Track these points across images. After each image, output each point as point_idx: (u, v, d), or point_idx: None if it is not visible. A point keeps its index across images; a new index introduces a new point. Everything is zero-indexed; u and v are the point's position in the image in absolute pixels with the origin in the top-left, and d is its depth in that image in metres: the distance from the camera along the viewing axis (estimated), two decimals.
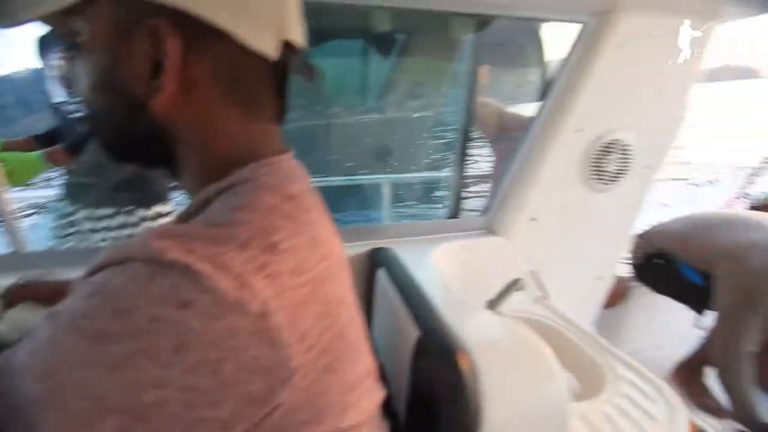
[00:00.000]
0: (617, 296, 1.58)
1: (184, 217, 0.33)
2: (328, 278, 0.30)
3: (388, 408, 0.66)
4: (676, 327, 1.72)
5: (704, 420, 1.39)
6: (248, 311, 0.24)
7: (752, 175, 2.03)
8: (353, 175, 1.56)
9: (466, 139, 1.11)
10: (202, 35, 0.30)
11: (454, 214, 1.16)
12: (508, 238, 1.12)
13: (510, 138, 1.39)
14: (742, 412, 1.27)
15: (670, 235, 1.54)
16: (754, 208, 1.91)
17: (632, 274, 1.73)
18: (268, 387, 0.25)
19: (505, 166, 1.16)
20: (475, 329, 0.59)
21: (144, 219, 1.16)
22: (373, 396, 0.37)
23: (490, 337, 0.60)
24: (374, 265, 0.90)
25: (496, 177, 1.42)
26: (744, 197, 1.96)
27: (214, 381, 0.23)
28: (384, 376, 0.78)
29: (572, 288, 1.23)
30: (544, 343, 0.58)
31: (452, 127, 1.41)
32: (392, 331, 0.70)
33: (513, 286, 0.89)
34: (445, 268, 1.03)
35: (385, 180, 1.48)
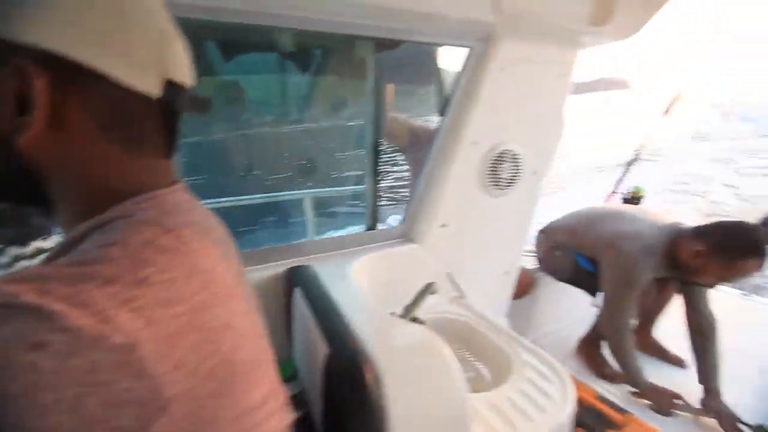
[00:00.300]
0: (526, 287, 1.76)
1: (54, 256, 0.33)
2: (211, 306, 0.31)
3: (305, 428, 0.65)
4: (578, 309, 1.97)
5: (603, 387, 1.60)
6: (110, 345, 0.24)
7: (623, 172, 2.43)
8: (276, 190, 1.53)
9: (376, 152, 1.16)
10: (76, 75, 0.31)
11: (373, 225, 1.20)
12: (424, 244, 1.19)
13: (422, 150, 1.49)
14: (629, 375, 1.49)
15: (564, 230, 1.77)
16: (626, 201, 2.29)
17: (537, 266, 1.96)
18: (142, 419, 0.25)
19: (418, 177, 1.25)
20: (382, 339, 0.62)
21: (18, 258, 1.01)
22: (280, 418, 0.38)
23: (395, 346, 0.63)
24: (292, 284, 0.90)
25: (412, 187, 1.50)
26: (618, 192, 2.34)
27: (77, 418, 0.23)
28: (303, 397, 0.77)
29: (484, 284, 1.34)
30: (445, 343, 0.63)
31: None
32: (307, 350, 0.70)
33: (427, 290, 0.95)
34: (365, 279, 1.06)
35: (307, 195, 1.47)
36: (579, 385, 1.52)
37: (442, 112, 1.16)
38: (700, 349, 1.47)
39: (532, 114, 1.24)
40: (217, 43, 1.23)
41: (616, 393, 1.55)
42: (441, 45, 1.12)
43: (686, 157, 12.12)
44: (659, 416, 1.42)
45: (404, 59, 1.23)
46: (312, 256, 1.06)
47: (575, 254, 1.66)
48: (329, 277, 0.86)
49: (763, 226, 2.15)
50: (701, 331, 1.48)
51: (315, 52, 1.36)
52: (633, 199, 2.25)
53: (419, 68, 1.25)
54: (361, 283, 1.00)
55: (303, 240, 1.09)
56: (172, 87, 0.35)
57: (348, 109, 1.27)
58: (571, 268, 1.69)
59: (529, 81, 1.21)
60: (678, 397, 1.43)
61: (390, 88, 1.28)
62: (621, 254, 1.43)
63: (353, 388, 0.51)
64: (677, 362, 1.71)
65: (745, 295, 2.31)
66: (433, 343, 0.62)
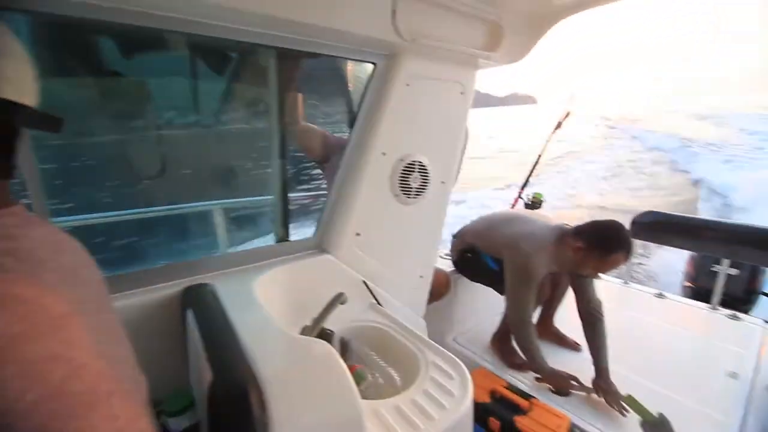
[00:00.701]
0: (443, 288, 1.86)
1: None
2: (31, 338, 0.29)
3: None
4: (492, 306, 2.13)
5: (514, 376, 1.74)
6: None
7: (525, 180, 2.72)
8: (181, 201, 1.40)
9: (284, 160, 1.14)
10: None
11: (284, 236, 1.17)
12: (339, 254, 1.19)
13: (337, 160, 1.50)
14: (532, 362, 1.66)
15: (473, 233, 1.92)
16: (527, 206, 2.56)
17: (453, 268, 2.08)
18: None
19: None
20: (272, 360, 0.60)
21: None
22: None
23: (286, 365, 0.62)
24: (185, 306, 0.83)
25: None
26: (521, 198, 2.61)
27: None
28: (200, 428, 0.71)
29: (401, 289, 1.38)
30: (339, 360, 0.62)
31: (292, 150, 1.43)
32: (197, 378, 0.65)
33: (336, 300, 0.95)
34: (275, 294, 1.02)
35: (215, 206, 1.38)
36: (492, 377, 1.64)
37: (351, 124, 1.19)
38: (589, 333, 1.67)
39: (437, 128, 1.33)
40: (117, 40, 1.11)
41: (524, 380, 1.71)
42: (347, 59, 1.14)
43: (575, 167, 14.08)
44: (560, 398, 1.59)
45: (317, 71, 1.23)
46: (215, 272, 1.00)
47: (484, 255, 1.81)
48: (229, 295, 0.81)
49: (633, 225, 2.56)
50: (590, 317, 1.68)
51: (228, 55, 1.29)
52: (534, 203, 2.52)
53: (331, 81, 1.27)
54: (270, 298, 0.97)
55: (205, 255, 1.02)
56: (12, 105, 0.34)
57: (258, 116, 1.23)
58: (481, 268, 1.84)
59: (434, 97, 1.30)
60: (574, 378, 1.61)
61: (298, 98, 1.27)
62: (519, 253, 1.60)
63: (236, 416, 0.48)
64: (573, 347, 1.94)
65: (624, 283, 2.72)
66: (328, 358, 0.61)
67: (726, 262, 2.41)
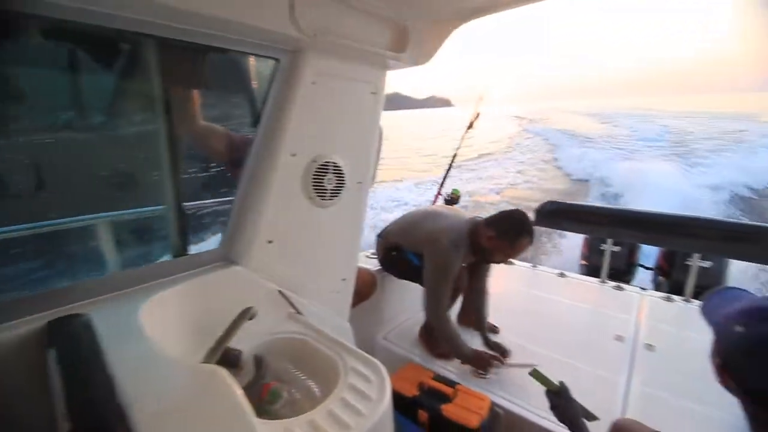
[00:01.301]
0: (369, 288, 1.86)
1: None
2: None
3: None
4: (420, 300, 2.20)
5: (442, 366, 1.81)
6: None
7: (444, 177, 2.85)
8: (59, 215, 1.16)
9: (176, 164, 1.02)
10: None
11: (181, 250, 1.05)
12: (249, 264, 1.11)
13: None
14: (455, 349, 1.74)
15: (396, 232, 1.95)
16: (447, 202, 2.69)
17: (380, 267, 2.10)
18: None
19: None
20: (152, 397, 0.52)
21: None
22: None
23: (167, 401, 0.54)
24: (49, 344, 0.69)
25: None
26: (441, 195, 2.73)
27: None
28: None
29: (323, 295, 1.34)
30: (233, 385, 0.57)
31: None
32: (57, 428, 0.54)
33: (244, 316, 0.87)
34: (171, 316, 0.91)
35: (99, 220, 1.18)
36: (420, 371, 1.68)
37: (255, 124, 1.11)
38: (482, 311, 1.92)
39: (350, 128, 1.31)
40: None
41: (451, 369, 1.78)
42: (248, 54, 1.06)
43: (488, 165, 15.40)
44: (483, 381, 1.69)
45: (217, 66, 1.12)
46: (93, 299, 0.85)
47: (407, 252, 1.86)
48: (108, 325, 0.70)
49: (537, 213, 2.84)
50: (483, 296, 1.93)
51: (114, 47, 1.11)
52: (452, 200, 2.65)
53: (233, 77, 1.17)
54: (166, 323, 0.86)
55: (79, 279, 0.86)
56: None
57: (148, 116, 1.08)
58: (406, 265, 1.88)
59: (344, 96, 1.27)
60: (495, 357, 1.73)
61: (194, 95, 1.15)
62: (436, 247, 1.67)
63: None
64: (493, 330, 2.08)
65: (533, 266, 3.01)
66: (219, 385, 0.55)
67: (610, 241, 2.80)
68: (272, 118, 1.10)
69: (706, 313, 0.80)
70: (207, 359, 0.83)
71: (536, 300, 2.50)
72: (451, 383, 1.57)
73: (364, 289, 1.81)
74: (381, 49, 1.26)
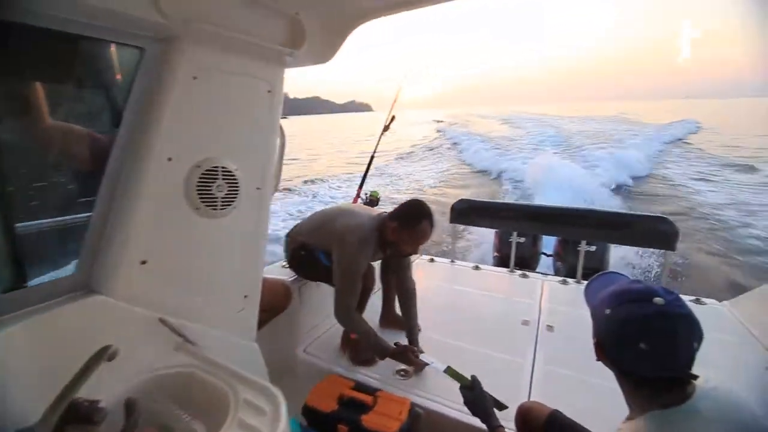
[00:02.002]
0: (282, 300, 1.73)
1: None
2: None
3: None
4: None
5: (366, 373, 1.76)
6: None
7: (362, 179, 2.83)
8: None
9: (3, 176, 0.81)
10: None
11: (16, 282, 0.83)
12: (117, 291, 0.92)
13: None
14: (373, 347, 1.68)
15: (306, 231, 1.87)
16: (366, 203, 2.68)
17: (289, 270, 1.99)
18: None
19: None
20: None
21: None
22: None
23: None
24: None
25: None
26: (360, 197, 2.70)
27: None
28: None
29: (222, 316, 1.20)
30: None
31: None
32: None
33: (99, 358, 0.71)
34: (10, 362, 0.71)
35: None
36: (340, 382, 1.61)
37: (117, 123, 0.93)
38: (410, 309, 1.89)
39: (244, 128, 1.19)
40: None
41: (374, 375, 1.75)
42: (105, 42, 0.88)
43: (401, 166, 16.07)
44: (404, 382, 1.68)
45: (68, 55, 0.91)
46: None
47: (317, 252, 1.79)
48: None
49: (452, 211, 2.97)
50: (407, 295, 1.90)
51: None
52: (371, 201, 2.64)
53: (88, 67, 0.96)
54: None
55: None
56: None
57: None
58: (315, 265, 1.81)
59: (237, 95, 1.15)
60: (410, 349, 1.72)
61: (37, 89, 0.93)
62: (345, 245, 1.64)
63: None
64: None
65: (451, 261, 3.15)
66: None
67: (515, 233, 3.05)
68: (140, 117, 0.94)
69: (588, 296, 0.87)
70: (45, 418, 0.66)
71: (454, 294, 2.61)
72: (372, 391, 1.53)
73: (277, 302, 1.68)
74: (276, 44, 1.17)
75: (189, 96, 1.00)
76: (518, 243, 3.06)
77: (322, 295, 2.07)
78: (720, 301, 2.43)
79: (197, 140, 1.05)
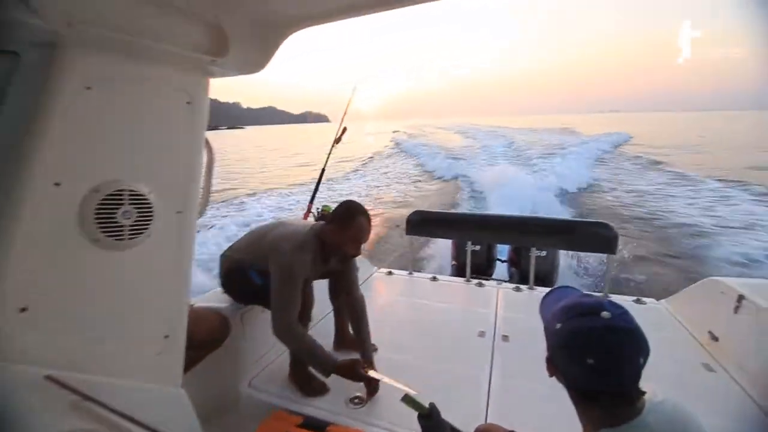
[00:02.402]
0: (216, 333, 1.56)
1: None
2: None
3: None
4: None
5: (316, 406, 1.62)
6: None
7: (313, 194, 2.72)
8: None
9: None
10: None
11: None
12: None
13: None
14: (317, 362, 1.53)
15: (242, 246, 1.74)
16: (318, 219, 2.56)
17: (231, 300, 1.82)
18: None
19: None
20: None
21: None
22: None
23: None
24: None
25: None
26: (312, 213, 2.59)
27: None
28: None
29: (136, 362, 1.03)
30: None
31: None
32: None
33: None
34: None
35: None
36: (286, 419, 1.47)
37: None
38: (360, 324, 1.79)
39: (158, 145, 1.05)
40: None
41: (325, 407, 1.62)
42: None
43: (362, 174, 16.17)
44: (360, 411, 1.57)
45: None
46: None
47: (250, 272, 1.66)
48: None
49: (407, 223, 2.92)
50: (357, 311, 1.79)
51: None
52: (323, 217, 2.53)
53: None
54: None
55: None
56: None
57: None
58: (248, 285, 1.69)
59: (147, 107, 1.01)
60: (358, 363, 1.57)
61: None
62: (279, 253, 1.54)
63: None
64: (373, 349, 2.00)
65: (409, 273, 3.10)
66: None
67: (470, 242, 3.08)
68: (18, 135, 0.78)
69: (542, 311, 0.85)
70: None
71: (412, 308, 2.56)
72: (322, 426, 1.41)
73: (213, 335, 1.51)
74: (195, 52, 1.05)
75: (82, 109, 0.86)
76: (474, 251, 3.09)
77: (269, 322, 1.92)
78: (658, 300, 2.58)
79: (95, 160, 0.90)
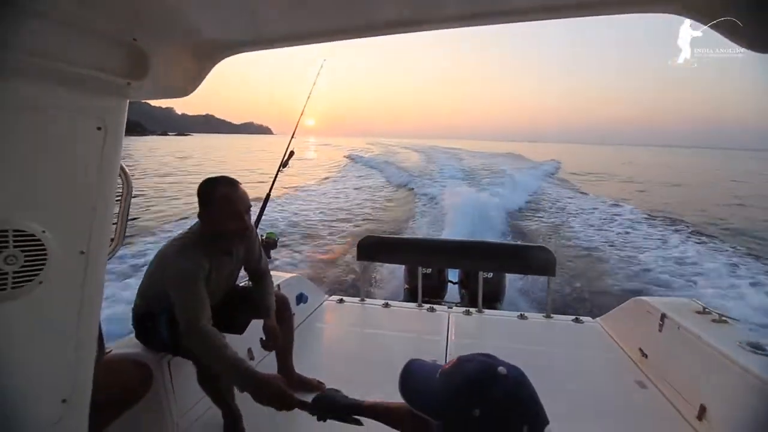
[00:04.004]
0: (140, 384, 1.37)
1: None
2: None
3: None
4: None
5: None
6: None
7: (257, 219, 2.58)
8: None
9: None
10: None
11: None
12: None
13: None
14: (235, 373, 1.19)
15: (140, 291, 1.54)
16: (262, 245, 2.41)
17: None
18: None
19: None
20: None
21: None
22: None
23: None
24: None
25: None
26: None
27: None
28: None
29: None
30: None
31: None
32: None
33: None
34: None
35: None
36: None
37: None
38: (263, 289, 1.71)
39: (55, 176, 0.91)
40: None
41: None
42: None
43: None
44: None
45: None
46: None
47: (159, 315, 1.44)
48: None
49: (358, 248, 2.86)
50: (260, 279, 1.75)
51: None
52: (268, 243, 2.39)
53: None
54: None
55: None
56: None
57: None
58: (158, 331, 1.46)
59: (40, 133, 0.88)
60: (282, 379, 1.23)
61: None
62: (165, 259, 1.43)
63: None
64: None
65: (361, 300, 3.02)
66: None
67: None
68: None
69: (412, 398, 0.78)
70: None
71: (364, 338, 2.47)
72: None
73: (129, 389, 1.32)
74: (107, 73, 0.94)
75: None
76: (426, 273, 3.10)
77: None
78: (594, 318, 2.74)
79: None
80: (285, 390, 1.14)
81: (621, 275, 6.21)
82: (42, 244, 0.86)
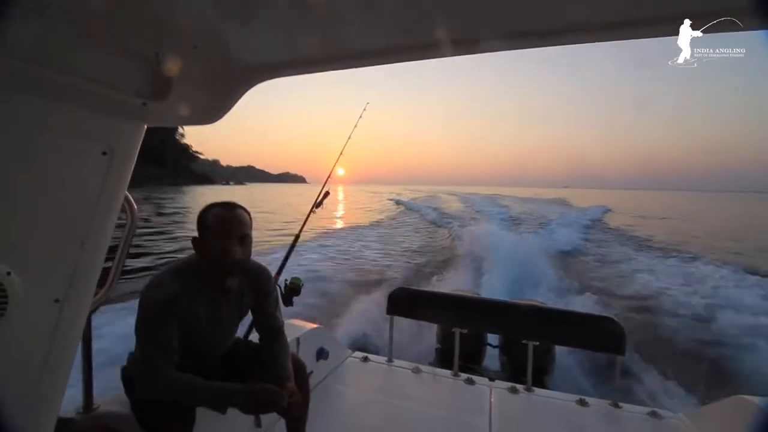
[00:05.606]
0: None
1: None
2: None
3: None
4: None
5: None
6: None
7: (282, 263, 2.40)
8: None
9: None
10: None
11: None
12: None
13: None
14: (210, 396, 1.10)
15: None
16: (284, 294, 2.21)
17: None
18: None
19: None
20: None
21: None
22: None
23: None
24: None
25: None
26: (279, 286, 2.24)
27: None
28: None
29: None
30: None
31: None
32: None
33: None
34: None
35: None
36: None
37: None
38: (276, 349, 1.40)
39: (42, 205, 0.77)
40: None
41: None
42: None
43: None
44: None
45: None
46: None
47: None
48: None
49: (389, 301, 2.57)
50: (275, 332, 1.43)
51: None
52: (291, 289, 2.18)
53: None
54: None
55: None
56: None
57: None
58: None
59: (31, 153, 0.75)
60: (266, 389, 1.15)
61: None
62: (142, 297, 1.13)
63: None
64: None
65: (388, 361, 2.67)
66: None
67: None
68: None
69: None
70: None
71: (390, 409, 2.11)
72: None
73: None
74: (120, 91, 0.82)
75: None
76: (462, 333, 2.71)
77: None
78: (676, 412, 2.19)
79: None
80: (273, 389, 1.14)
81: (716, 357, 4.46)
82: (3, 289, 0.69)
